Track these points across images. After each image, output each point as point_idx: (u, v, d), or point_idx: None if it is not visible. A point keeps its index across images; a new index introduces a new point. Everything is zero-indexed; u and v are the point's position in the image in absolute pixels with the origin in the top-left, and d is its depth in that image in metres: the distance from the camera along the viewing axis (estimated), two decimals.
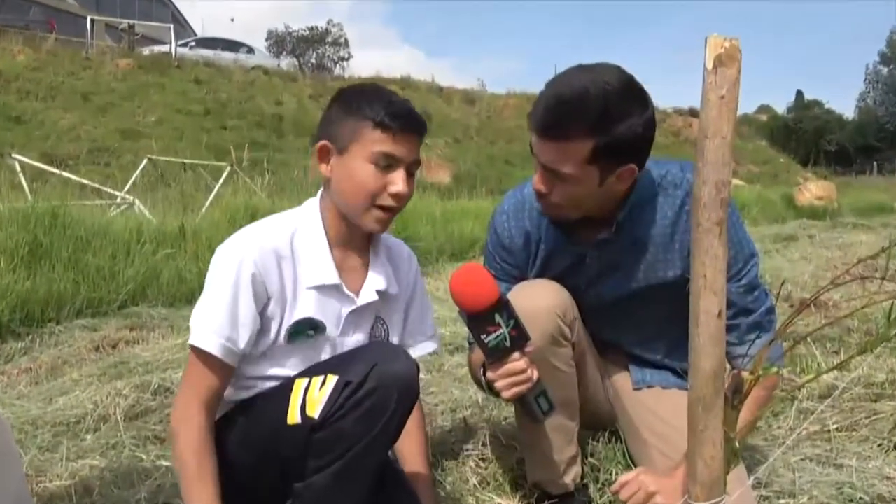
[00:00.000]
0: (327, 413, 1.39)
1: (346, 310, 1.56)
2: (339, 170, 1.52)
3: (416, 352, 1.73)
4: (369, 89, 1.55)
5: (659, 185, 1.70)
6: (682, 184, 1.69)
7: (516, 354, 1.48)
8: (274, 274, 1.49)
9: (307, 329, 1.52)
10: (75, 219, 4.68)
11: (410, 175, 1.54)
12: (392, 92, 1.55)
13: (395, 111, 1.48)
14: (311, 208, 1.60)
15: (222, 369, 1.48)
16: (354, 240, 1.60)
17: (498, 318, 1.45)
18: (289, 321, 1.51)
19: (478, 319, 1.45)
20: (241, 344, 1.47)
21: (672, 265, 1.71)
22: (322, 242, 1.55)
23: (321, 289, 1.53)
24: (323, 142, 1.53)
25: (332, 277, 1.54)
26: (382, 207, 1.52)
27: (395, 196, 1.51)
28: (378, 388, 1.38)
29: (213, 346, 1.45)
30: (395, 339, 1.68)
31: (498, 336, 1.45)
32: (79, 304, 4.10)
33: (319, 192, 1.63)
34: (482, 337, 1.45)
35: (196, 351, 1.47)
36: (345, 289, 1.56)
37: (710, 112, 1.02)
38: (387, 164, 1.49)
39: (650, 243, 1.71)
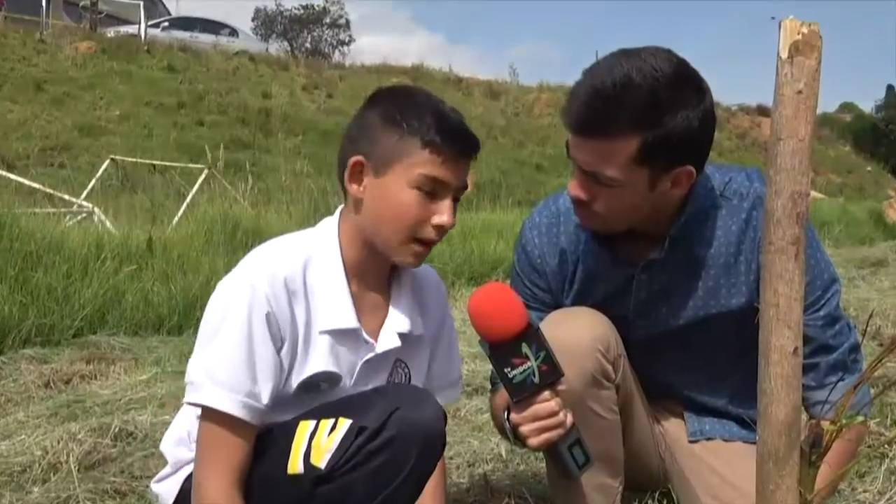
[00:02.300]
0: (335, 463, 1.39)
1: (362, 358, 1.55)
2: (374, 193, 1.50)
3: (440, 400, 1.73)
4: (416, 97, 1.54)
5: (721, 195, 1.70)
6: (748, 194, 1.69)
7: (546, 394, 1.48)
8: (286, 313, 1.46)
9: (320, 382, 1.51)
10: (24, 230, 4.71)
11: (455, 202, 1.53)
12: (441, 100, 1.54)
13: (448, 128, 1.47)
14: (328, 232, 1.57)
15: (246, 430, 1.44)
16: (375, 271, 1.59)
17: (525, 349, 1.45)
18: (299, 376, 1.50)
19: (501, 350, 1.45)
20: (265, 398, 1.44)
21: (737, 291, 1.71)
22: (339, 276, 1.53)
23: (336, 333, 1.52)
24: (357, 157, 1.50)
25: (350, 321, 1.52)
26: (422, 241, 1.51)
27: (439, 228, 1.50)
28: (397, 439, 1.38)
29: (234, 407, 1.41)
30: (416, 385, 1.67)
31: (525, 370, 1.45)
32: (26, 331, 4.11)
33: (339, 209, 1.61)
34: (506, 371, 1.46)
35: (212, 414, 1.42)
36: (363, 333, 1.54)
37: (784, 110, 1.03)
38: (433, 190, 1.48)
39: (710, 264, 1.71)
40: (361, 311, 1.55)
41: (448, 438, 2.73)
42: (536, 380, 1.46)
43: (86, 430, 2.71)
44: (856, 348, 1.70)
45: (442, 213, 1.49)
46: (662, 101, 1.50)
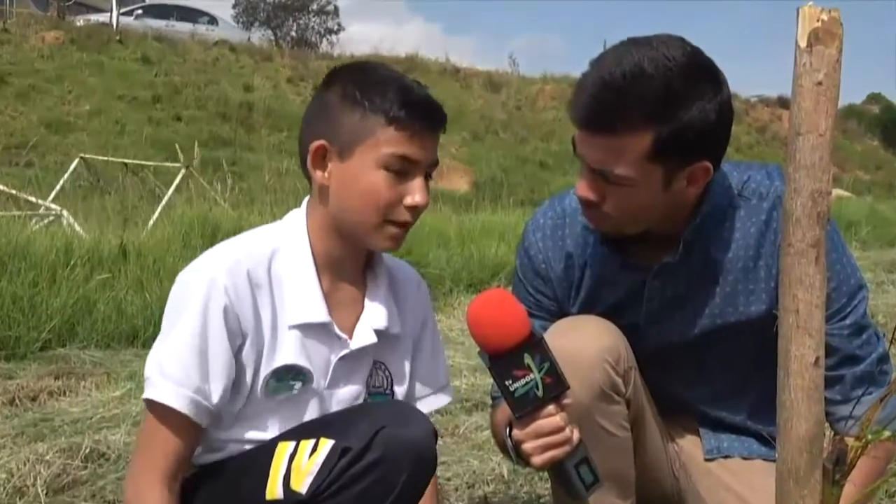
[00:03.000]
0: (318, 487, 1.39)
1: (336, 355, 1.57)
2: (340, 177, 1.52)
3: (425, 406, 1.74)
4: (376, 72, 1.55)
5: (739, 195, 1.71)
6: (768, 194, 1.70)
7: (551, 408, 1.48)
8: (248, 306, 1.49)
9: (289, 379, 1.52)
10: None
11: (427, 179, 1.55)
12: (403, 75, 1.56)
13: (414, 101, 1.49)
14: (296, 224, 1.59)
15: (190, 430, 1.47)
16: (348, 264, 1.61)
17: (528, 359, 1.45)
18: (267, 369, 1.51)
19: (502, 361, 1.45)
20: (215, 398, 1.46)
21: (756, 298, 1.71)
22: (308, 269, 1.55)
23: (306, 328, 1.54)
24: (319, 142, 1.52)
25: (320, 314, 1.54)
26: (396, 223, 1.52)
27: (413, 209, 1.52)
28: (384, 459, 1.39)
29: (180, 402, 1.43)
30: (399, 391, 1.68)
31: (527, 383, 1.45)
32: None
33: (305, 201, 1.63)
34: (507, 383, 1.45)
35: (156, 407, 1.45)
36: (335, 328, 1.56)
37: (803, 102, 1.03)
38: (402, 169, 1.49)
39: (728, 269, 1.71)
40: (334, 306, 1.57)
41: (446, 458, 2.74)
42: (540, 393, 1.46)
43: (54, 450, 2.71)
44: (884, 359, 1.71)
45: (414, 193, 1.51)
46: (677, 92, 1.50)
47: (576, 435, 1.50)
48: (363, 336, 1.59)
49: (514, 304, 1.48)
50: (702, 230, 1.69)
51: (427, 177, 1.55)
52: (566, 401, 1.50)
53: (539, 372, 1.45)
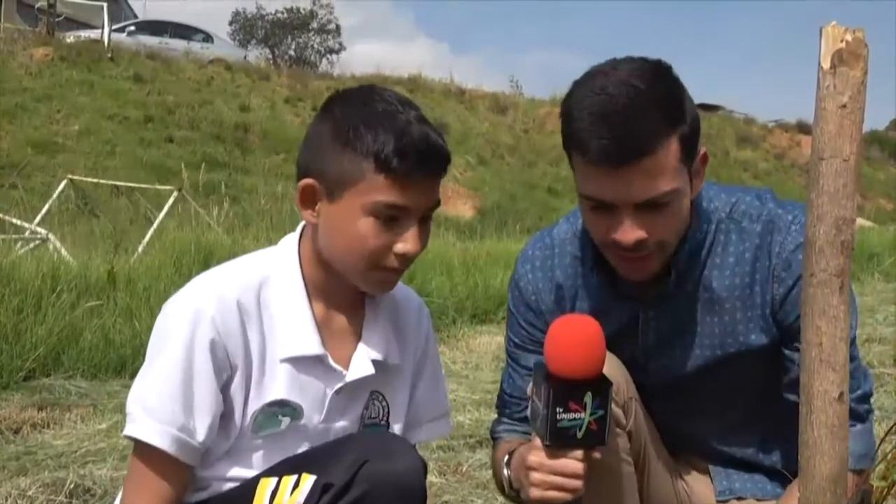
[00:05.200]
0: None
1: (331, 389, 1.56)
2: (329, 219, 1.50)
3: (426, 433, 1.74)
4: (376, 105, 1.47)
5: (729, 218, 1.71)
6: (759, 216, 1.69)
7: (580, 453, 1.49)
8: (238, 338, 1.48)
9: (278, 415, 1.52)
10: None
11: (425, 222, 1.52)
12: (405, 106, 1.49)
13: (408, 146, 1.42)
14: (288, 250, 1.59)
15: (177, 469, 1.46)
16: (342, 293, 1.60)
17: (587, 399, 1.46)
18: (256, 405, 1.51)
19: (565, 386, 1.46)
20: (201, 435, 1.45)
21: (755, 326, 1.70)
22: (300, 299, 1.55)
23: (298, 361, 1.53)
24: (308, 181, 1.49)
25: (313, 346, 1.54)
26: (386, 269, 1.50)
27: (403, 257, 1.49)
28: (368, 495, 1.39)
29: (164, 441, 1.43)
30: (396, 423, 1.68)
31: (574, 420, 1.47)
32: None
33: (300, 227, 1.63)
34: (557, 409, 1.46)
35: (140, 446, 1.45)
36: (330, 361, 1.56)
37: (826, 126, 1.04)
38: (393, 217, 1.46)
39: (725, 297, 1.70)
40: (329, 337, 1.57)
41: (448, 497, 2.73)
42: (580, 435, 1.48)
43: (37, 485, 2.70)
44: (867, 398, 1.69)
45: (405, 241, 1.48)
46: (671, 91, 1.54)
47: (583, 488, 1.51)
48: (360, 367, 1.59)
49: (601, 339, 1.49)
50: (693, 256, 1.69)
51: (425, 219, 1.52)
52: (596, 454, 1.51)
53: (590, 416, 1.47)
